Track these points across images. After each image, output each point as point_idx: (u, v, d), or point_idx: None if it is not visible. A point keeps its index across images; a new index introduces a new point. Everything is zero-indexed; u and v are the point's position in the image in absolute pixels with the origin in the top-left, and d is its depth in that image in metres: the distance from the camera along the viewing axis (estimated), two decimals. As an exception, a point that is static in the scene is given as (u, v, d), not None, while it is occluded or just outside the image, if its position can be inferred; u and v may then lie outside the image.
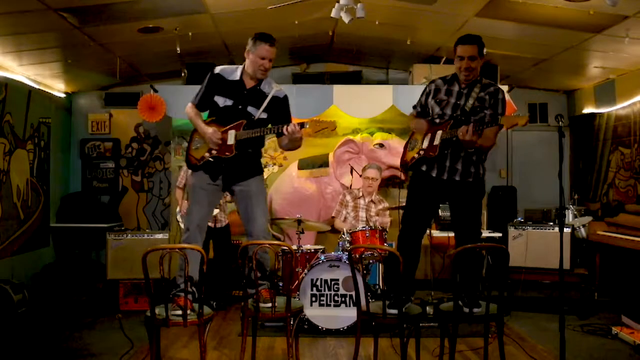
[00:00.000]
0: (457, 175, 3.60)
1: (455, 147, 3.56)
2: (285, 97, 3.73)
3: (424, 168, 3.68)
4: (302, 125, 3.50)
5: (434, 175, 3.63)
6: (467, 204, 3.65)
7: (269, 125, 3.64)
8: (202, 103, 3.75)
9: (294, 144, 3.67)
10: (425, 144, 3.65)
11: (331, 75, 6.82)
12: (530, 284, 5.75)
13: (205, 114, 3.81)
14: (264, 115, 3.63)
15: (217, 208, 5.35)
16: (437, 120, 3.68)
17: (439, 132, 3.60)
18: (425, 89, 3.82)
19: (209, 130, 3.61)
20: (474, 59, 3.54)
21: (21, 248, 5.82)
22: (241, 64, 3.72)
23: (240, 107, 3.63)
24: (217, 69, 3.71)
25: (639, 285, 4.94)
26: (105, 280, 5.79)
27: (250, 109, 3.63)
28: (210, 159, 3.64)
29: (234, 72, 3.68)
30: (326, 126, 3.61)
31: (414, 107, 3.90)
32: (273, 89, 3.67)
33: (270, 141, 6.16)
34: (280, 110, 3.67)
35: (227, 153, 3.60)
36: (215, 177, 3.67)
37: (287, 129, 3.48)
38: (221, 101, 3.66)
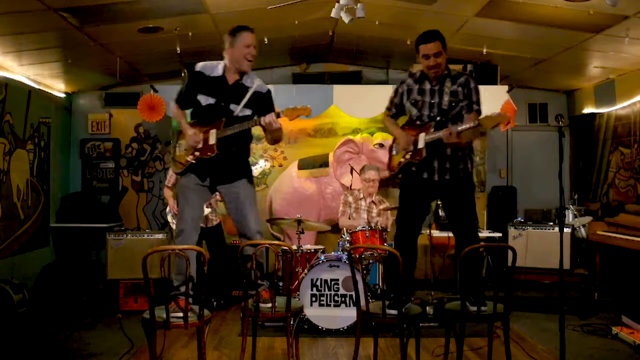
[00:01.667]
0: (447, 174, 3.60)
1: (440, 147, 3.55)
2: (269, 91, 3.66)
3: (413, 169, 3.68)
4: (277, 114, 3.46)
5: (425, 177, 3.63)
6: (460, 200, 3.64)
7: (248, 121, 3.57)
8: (184, 102, 3.69)
9: (273, 135, 3.60)
10: (411, 148, 3.63)
11: (331, 75, 6.82)
12: (530, 284, 5.75)
13: (188, 114, 3.76)
14: (248, 112, 3.57)
15: (208, 207, 5.34)
16: (418, 123, 3.65)
17: (422, 135, 3.57)
18: (397, 89, 3.79)
19: (189, 132, 3.56)
20: (439, 55, 3.51)
21: (21, 248, 5.82)
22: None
23: (222, 104, 3.56)
24: (198, 66, 3.64)
25: (639, 285, 4.94)
26: (105, 280, 5.79)
27: (232, 106, 3.56)
28: (193, 161, 3.57)
29: (215, 68, 3.61)
30: (301, 113, 3.56)
31: (388, 108, 3.85)
32: (255, 83, 3.60)
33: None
34: (264, 105, 3.58)
35: (209, 153, 3.52)
36: (203, 178, 3.61)
37: (263, 120, 3.44)
38: (203, 100, 3.59)
